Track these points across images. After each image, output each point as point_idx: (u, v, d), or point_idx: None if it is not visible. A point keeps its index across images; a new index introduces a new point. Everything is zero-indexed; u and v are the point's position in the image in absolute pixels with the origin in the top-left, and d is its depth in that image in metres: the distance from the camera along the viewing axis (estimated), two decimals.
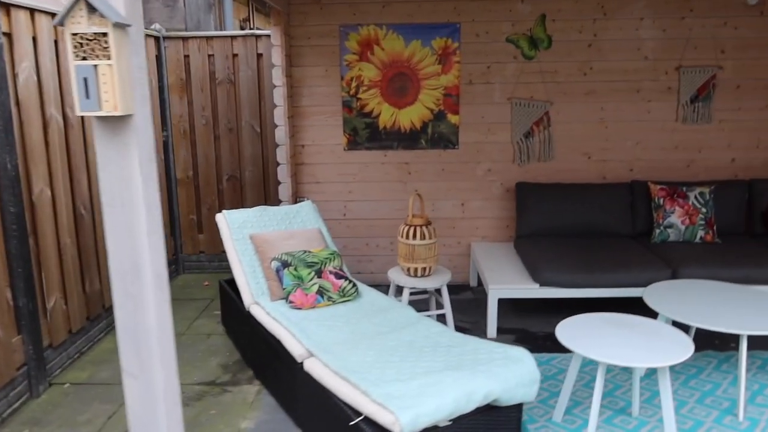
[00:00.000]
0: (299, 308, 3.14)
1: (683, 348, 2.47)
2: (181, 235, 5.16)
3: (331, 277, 3.28)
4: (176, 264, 5.15)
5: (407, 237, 3.53)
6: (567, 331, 2.66)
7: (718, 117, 4.42)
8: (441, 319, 4.03)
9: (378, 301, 3.23)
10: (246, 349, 3.45)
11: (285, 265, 3.26)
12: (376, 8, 4.36)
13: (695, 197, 4.08)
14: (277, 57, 4.32)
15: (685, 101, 4.40)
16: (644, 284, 3.64)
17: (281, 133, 4.40)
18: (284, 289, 3.21)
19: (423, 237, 3.51)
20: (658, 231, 4.11)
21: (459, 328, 3.92)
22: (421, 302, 4.32)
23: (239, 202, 5.10)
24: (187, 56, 4.88)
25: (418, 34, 4.37)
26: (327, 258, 3.37)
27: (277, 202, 4.88)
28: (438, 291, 4.09)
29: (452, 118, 4.48)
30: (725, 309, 2.98)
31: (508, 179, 4.56)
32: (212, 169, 5.06)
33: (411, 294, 4.22)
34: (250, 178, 5.06)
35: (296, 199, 4.63)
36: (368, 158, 4.58)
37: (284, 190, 4.49)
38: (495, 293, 3.72)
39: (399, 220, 4.63)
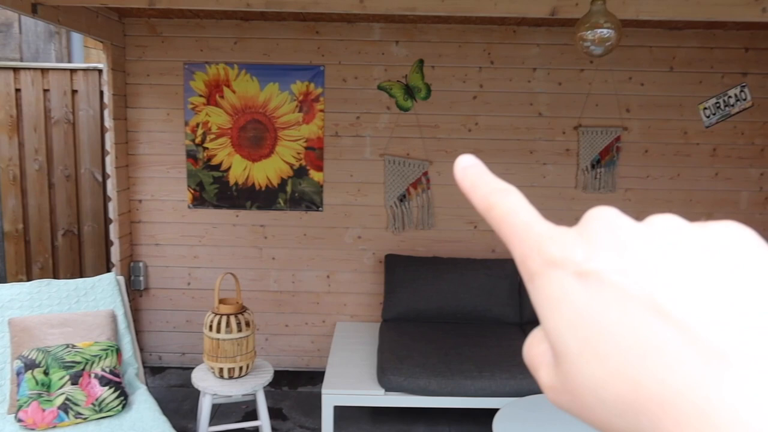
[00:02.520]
0: (32, 429, 2.37)
1: None
2: None
3: (94, 383, 2.51)
4: None
5: (211, 329, 2.79)
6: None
7: (624, 185, 3.81)
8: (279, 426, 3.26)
9: (142, 421, 2.46)
10: None
11: (30, 366, 2.49)
12: (226, 44, 3.71)
13: None
14: (106, 96, 3.63)
15: (585, 166, 3.78)
16: (513, 394, 2.93)
17: (111, 185, 3.68)
18: (18, 400, 2.43)
19: (231, 329, 2.78)
20: None
21: None
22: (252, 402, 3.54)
23: (76, 261, 4.32)
24: (18, 90, 4.17)
25: (275, 76, 3.72)
26: (97, 355, 2.61)
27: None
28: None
29: (315, 176, 3.80)
30: None
31: (381, 249, 3.86)
32: (46, 222, 4.29)
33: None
34: (90, 234, 4.30)
35: (130, 263, 3.87)
36: (217, 218, 3.86)
37: (115, 253, 3.75)
38: (329, 400, 2.97)
39: (254, 292, 3.89)
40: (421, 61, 3.69)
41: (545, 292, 0.24)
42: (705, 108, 3.76)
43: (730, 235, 0.22)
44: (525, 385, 2.91)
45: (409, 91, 3.71)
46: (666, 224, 0.23)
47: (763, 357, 0.19)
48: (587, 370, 0.22)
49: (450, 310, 3.55)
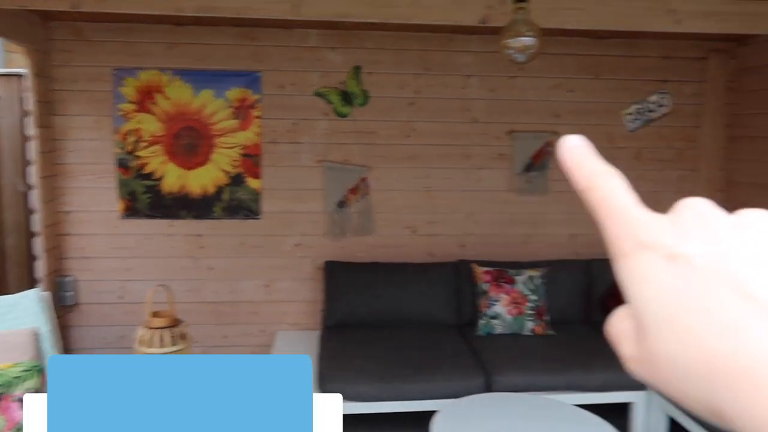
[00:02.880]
0: None
1: None
2: None
3: (13, 407, 2.38)
4: None
5: (142, 344, 2.70)
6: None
7: (556, 188, 3.93)
8: None
9: None
10: None
11: None
12: (158, 49, 3.62)
13: (524, 282, 3.52)
14: (29, 102, 3.47)
15: (519, 169, 3.88)
16: (452, 395, 2.97)
17: (35, 197, 3.51)
18: None
19: (164, 343, 2.70)
20: (482, 322, 3.50)
21: None
22: None
23: None
24: None
25: (210, 82, 3.65)
26: (18, 377, 2.47)
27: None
28: None
29: (252, 183, 3.75)
30: None
31: (320, 255, 3.84)
32: None
33: None
34: (14, 250, 4.09)
35: (57, 278, 3.70)
36: (150, 228, 3.75)
37: (41, 268, 3.57)
38: None
39: (191, 304, 3.78)
40: (358, 68, 3.71)
41: (635, 270, 0.27)
42: (628, 113, 3.94)
43: None
44: (463, 386, 2.96)
45: (347, 98, 3.72)
46: (755, 217, 0.26)
47: None
48: (669, 342, 0.25)
49: (390, 315, 3.57)
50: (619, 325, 0.28)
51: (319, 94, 3.71)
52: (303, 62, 3.69)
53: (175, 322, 2.76)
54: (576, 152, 0.31)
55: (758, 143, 3.74)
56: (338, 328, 3.56)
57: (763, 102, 3.72)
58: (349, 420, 3.34)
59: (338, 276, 3.62)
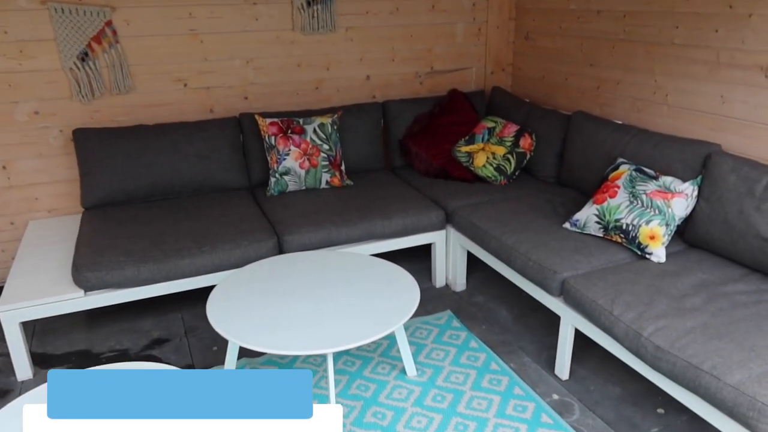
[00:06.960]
0: None
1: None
2: None
3: None
4: None
5: None
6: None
7: (344, 23, 3.50)
8: None
9: None
10: None
11: None
12: None
13: (314, 131, 3.17)
14: None
15: (300, 3, 3.36)
16: (242, 264, 2.65)
17: None
18: None
19: None
20: (273, 180, 3.14)
21: None
22: None
23: None
24: None
25: None
26: None
27: None
28: None
29: None
30: (318, 308, 2.11)
31: (70, 123, 3.12)
32: None
33: None
34: None
35: None
36: None
37: None
38: (12, 317, 2.38)
39: None
40: None
41: None
42: None
43: None
44: (251, 253, 2.64)
45: None
46: None
47: None
48: None
49: (164, 184, 3.06)
50: None
51: None
52: None
53: None
54: None
55: None
56: (100, 208, 2.99)
57: None
58: (132, 308, 2.94)
59: (93, 146, 2.97)
